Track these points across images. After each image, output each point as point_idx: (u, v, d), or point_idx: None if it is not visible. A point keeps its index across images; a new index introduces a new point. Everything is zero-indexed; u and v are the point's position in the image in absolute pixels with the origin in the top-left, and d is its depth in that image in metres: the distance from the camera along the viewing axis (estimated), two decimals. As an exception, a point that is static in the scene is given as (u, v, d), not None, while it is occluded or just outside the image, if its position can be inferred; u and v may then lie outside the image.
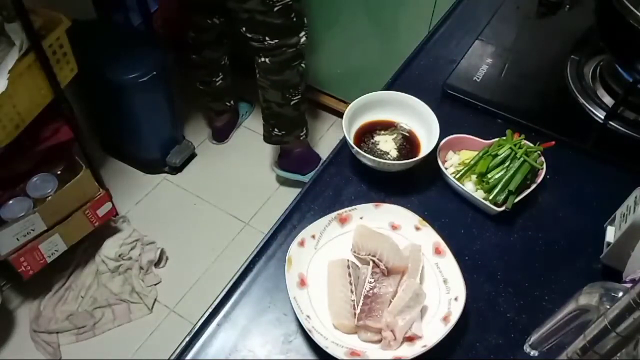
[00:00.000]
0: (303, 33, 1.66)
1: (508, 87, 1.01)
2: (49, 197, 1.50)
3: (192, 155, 2.10)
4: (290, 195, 1.95)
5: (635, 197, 0.72)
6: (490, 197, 0.80)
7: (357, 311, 0.69)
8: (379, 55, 1.88)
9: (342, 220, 0.78)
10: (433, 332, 0.67)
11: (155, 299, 1.71)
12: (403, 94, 0.90)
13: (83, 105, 1.89)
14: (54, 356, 1.57)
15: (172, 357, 0.68)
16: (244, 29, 1.63)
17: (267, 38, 1.61)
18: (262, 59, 1.67)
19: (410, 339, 0.68)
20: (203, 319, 0.71)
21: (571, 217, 0.83)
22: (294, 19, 1.60)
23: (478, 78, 1.01)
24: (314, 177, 0.87)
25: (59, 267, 1.70)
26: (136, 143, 1.98)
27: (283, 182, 2.05)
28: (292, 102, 1.78)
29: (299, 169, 1.99)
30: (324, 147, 2.12)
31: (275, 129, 1.86)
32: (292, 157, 1.96)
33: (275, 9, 1.54)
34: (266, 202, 2.00)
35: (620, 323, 0.42)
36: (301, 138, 1.90)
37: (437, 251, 0.75)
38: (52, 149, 1.52)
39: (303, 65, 1.73)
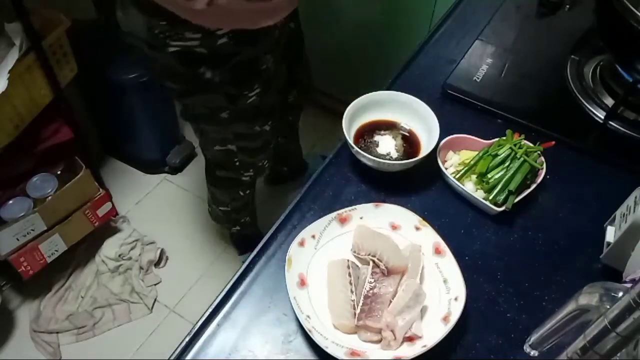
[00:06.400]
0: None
1: (508, 87, 1.01)
2: (49, 197, 1.50)
3: (192, 155, 2.10)
4: (289, 195, 1.96)
5: (635, 197, 0.72)
6: (490, 197, 0.80)
7: (357, 311, 0.69)
8: (379, 55, 1.87)
9: (342, 220, 0.78)
10: (433, 332, 0.67)
11: (155, 299, 1.71)
12: (403, 94, 0.90)
13: (83, 105, 1.89)
14: (54, 356, 1.56)
15: (172, 357, 0.68)
16: None
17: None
18: None
19: (410, 339, 0.68)
20: (203, 319, 0.71)
21: (571, 217, 0.83)
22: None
23: (478, 78, 1.01)
24: (314, 177, 0.87)
25: (59, 267, 1.70)
26: (136, 143, 1.98)
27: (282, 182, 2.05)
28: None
29: (236, 245, 1.85)
30: (324, 147, 2.12)
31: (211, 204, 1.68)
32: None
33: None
34: (266, 202, 2.00)
35: (620, 323, 0.42)
36: (231, 230, 1.74)
37: (437, 251, 0.75)
38: (52, 149, 1.51)
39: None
